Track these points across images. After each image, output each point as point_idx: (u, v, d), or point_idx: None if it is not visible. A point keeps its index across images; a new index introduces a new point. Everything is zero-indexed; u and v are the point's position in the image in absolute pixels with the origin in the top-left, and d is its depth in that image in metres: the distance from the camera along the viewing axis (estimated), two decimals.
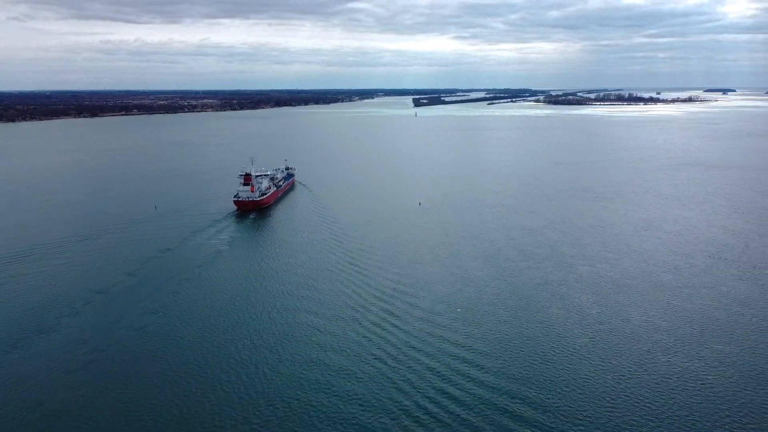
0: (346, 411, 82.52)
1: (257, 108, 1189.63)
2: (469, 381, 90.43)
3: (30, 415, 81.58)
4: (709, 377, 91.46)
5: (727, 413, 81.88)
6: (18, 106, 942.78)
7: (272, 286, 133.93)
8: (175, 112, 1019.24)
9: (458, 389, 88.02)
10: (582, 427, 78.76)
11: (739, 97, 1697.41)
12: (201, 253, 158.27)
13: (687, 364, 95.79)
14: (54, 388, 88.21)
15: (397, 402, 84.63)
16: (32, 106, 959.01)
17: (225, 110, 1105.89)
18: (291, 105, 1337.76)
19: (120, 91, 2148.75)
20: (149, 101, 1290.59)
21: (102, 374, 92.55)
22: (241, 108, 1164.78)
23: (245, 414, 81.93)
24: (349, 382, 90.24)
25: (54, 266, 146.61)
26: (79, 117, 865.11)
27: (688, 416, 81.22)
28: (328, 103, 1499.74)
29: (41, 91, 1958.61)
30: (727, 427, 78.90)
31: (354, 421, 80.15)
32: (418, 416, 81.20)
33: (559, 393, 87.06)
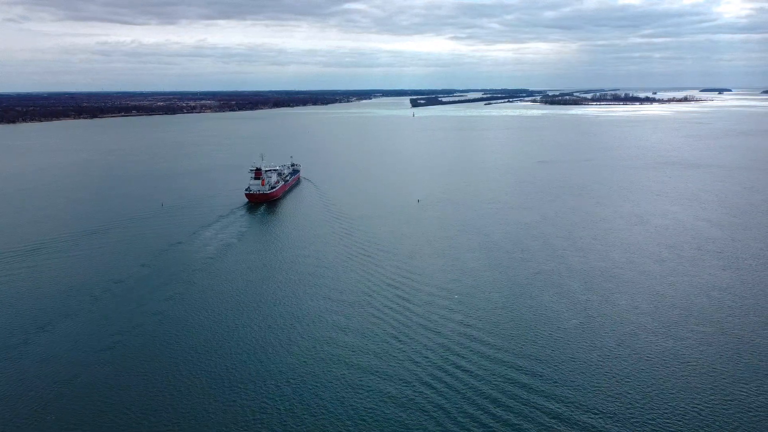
0: (355, 382, 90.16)
1: (256, 109, 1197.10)
2: (465, 359, 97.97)
3: (64, 388, 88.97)
4: (687, 355, 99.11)
5: (700, 385, 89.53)
6: (17, 108, 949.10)
7: (283, 274, 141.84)
8: (174, 113, 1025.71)
9: (454, 367, 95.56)
10: (568, 398, 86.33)
11: (734, 97, 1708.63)
12: (214, 244, 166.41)
13: (668, 343, 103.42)
14: (83, 365, 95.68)
15: (397, 377, 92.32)
16: (31, 108, 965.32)
17: (224, 111, 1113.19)
18: (289, 106, 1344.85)
19: (117, 93, 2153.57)
20: (148, 102, 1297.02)
21: (127, 353, 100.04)
22: (240, 109, 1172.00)
23: (260, 388, 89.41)
24: (357, 358, 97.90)
25: (69, 258, 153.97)
26: (79, 118, 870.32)
27: (667, 389, 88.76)
28: (326, 103, 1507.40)
29: (38, 93, 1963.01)
30: (703, 398, 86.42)
31: (362, 391, 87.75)
32: (415, 390, 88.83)
33: (548, 368, 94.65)
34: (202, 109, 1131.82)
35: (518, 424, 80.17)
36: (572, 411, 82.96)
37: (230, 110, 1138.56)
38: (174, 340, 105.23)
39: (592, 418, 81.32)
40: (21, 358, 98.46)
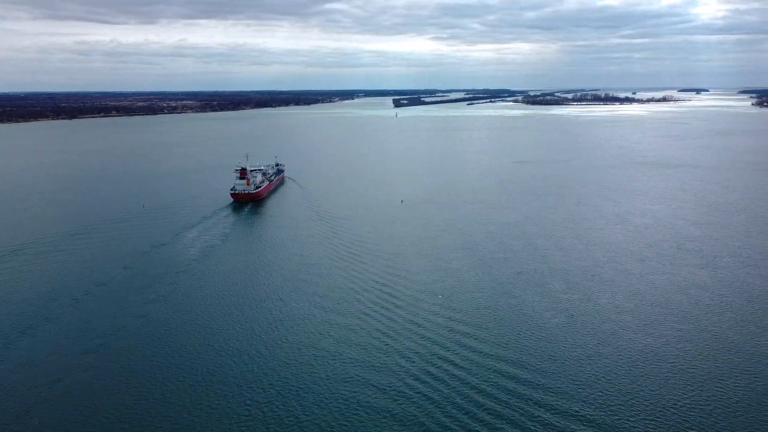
0: (343, 376, 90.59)
1: (238, 109, 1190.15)
2: (450, 351, 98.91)
3: (46, 393, 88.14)
4: (666, 352, 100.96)
5: (679, 381, 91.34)
6: None
7: (268, 274, 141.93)
8: (155, 114, 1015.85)
9: (440, 360, 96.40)
10: (550, 394, 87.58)
11: (711, 97, 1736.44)
12: (198, 245, 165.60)
13: (648, 340, 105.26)
14: (66, 369, 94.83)
15: (386, 369, 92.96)
16: (9, 108, 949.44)
17: (206, 111, 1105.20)
18: (271, 106, 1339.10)
19: (96, 93, 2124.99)
20: (128, 102, 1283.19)
21: (109, 357, 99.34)
22: (222, 109, 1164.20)
23: (249, 386, 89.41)
24: (345, 354, 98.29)
25: (50, 261, 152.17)
26: (58, 119, 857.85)
27: (646, 385, 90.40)
28: (309, 104, 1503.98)
29: (15, 93, 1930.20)
30: (682, 394, 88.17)
31: (352, 383, 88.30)
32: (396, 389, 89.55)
33: (530, 366, 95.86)
34: (184, 109, 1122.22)
35: (501, 413, 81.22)
36: (553, 407, 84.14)
37: (212, 110, 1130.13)
38: (157, 343, 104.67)
39: (573, 414, 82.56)
40: (1, 362, 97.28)
